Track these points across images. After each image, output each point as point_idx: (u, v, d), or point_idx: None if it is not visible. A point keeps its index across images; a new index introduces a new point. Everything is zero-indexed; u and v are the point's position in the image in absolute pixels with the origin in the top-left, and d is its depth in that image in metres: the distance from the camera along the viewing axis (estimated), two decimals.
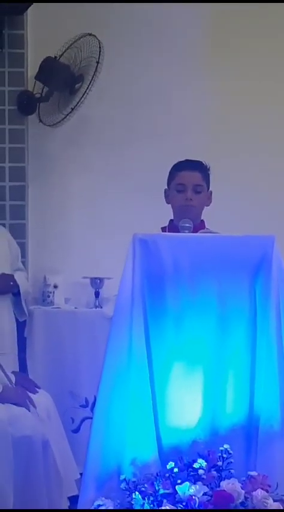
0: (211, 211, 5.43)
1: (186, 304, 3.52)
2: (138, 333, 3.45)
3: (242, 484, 3.36)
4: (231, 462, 3.39)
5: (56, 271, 5.70)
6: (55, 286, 5.63)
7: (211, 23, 5.93)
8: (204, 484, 3.32)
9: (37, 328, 5.44)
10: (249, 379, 3.57)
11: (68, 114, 5.67)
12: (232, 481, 3.35)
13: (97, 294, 5.69)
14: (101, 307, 5.59)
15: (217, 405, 3.53)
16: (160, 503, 3.27)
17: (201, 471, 3.34)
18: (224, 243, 3.65)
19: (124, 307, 3.48)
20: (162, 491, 3.29)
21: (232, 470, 3.39)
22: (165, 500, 3.28)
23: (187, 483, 3.30)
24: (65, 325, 5.49)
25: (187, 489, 3.29)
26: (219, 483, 3.35)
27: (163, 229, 4.27)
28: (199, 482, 3.32)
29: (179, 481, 3.31)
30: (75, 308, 5.67)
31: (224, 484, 3.33)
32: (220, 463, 3.38)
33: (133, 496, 3.28)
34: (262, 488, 3.35)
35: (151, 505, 3.26)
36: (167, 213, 4.45)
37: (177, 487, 3.30)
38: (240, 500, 3.32)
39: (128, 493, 3.30)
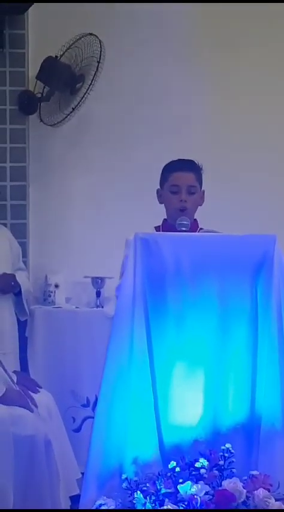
0: (212, 210, 5.44)
1: (187, 303, 3.52)
2: (139, 332, 3.45)
3: (244, 483, 3.36)
4: (233, 461, 3.39)
5: (56, 270, 5.70)
6: (56, 286, 5.63)
7: (212, 23, 5.93)
8: (206, 484, 3.32)
9: (38, 327, 5.44)
10: (250, 378, 3.57)
11: (69, 114, 5.67)
12: (234, 480, 3.35)
13: (98, 294, 5.68)
14: (102, 307, 5.59)
15: (219, 404, 3.53)
16: (162, 503, 3.27)
17: (202, 470, 3.34)
18: (225, 243, 3.65)
19: (126, 306, 3.49)
20: (163, 490, 3.29)
21: (233, 470, 3.39)
22: (166, 500, 3.28)
23: (189, 482, 3.30)
24: (66, 324, 5.49)
25: (188, 488, 3.29)
26: (221, 482, 3.35)
27: (157, 228, 4.26)
28: (201, 482, 3.32)
29: (181, 481, 3.32)
30: (76, 308, 5.67)
31: (226, 484, 3.33)
32: (221, 462, 3.38)
33: (135, 496, 3.28)
34: (264, 488, 3.35)
35: (153, 505, 3.26)
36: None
37: (178, 486, 3.30)
38: (242, 500, 3.33)
39: (130, 492, 3.30)
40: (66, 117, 5.67)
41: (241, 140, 5.97)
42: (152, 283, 3.51)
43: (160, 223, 4.32)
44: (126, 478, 3.33)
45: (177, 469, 3.34)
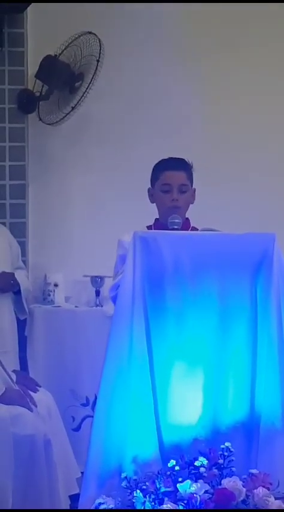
0: (211, 209, 5.45)
1: (187, 301, 3.52)
2: (138, 331, 3.45)
3: (243, 482, 3.36)
4: (232, 460, 3.39)
5: (56, 269, 5.69)
6: (55, 285, 5.63)
7: (212, 23, 5.93)
8: (205, 482, 3.32)
9: (38, 327, 5.44)
10: (250, 377, 3.57)
11: (68, 113, 5.66)
12: (234, 479, 3.35)
13: (97, 293, 5.68)
14: (102, 306, 5.59)
15: (218, 403, 3.53)
16: (162, 502, 3.27)
17: (202, 469, 3.34)
18: (225, 241, 3.65)
19: (125, 305, 3.48)
20: (163, 489, 3.29)
21: (233, 468, 3.39)
22: (166, 499, 3.28)
23: (189, 481, 3.30)
24: (66, 324, 5.49)
25: (188, 487, 3.29)
26: (220, 481, 3.35)
27: (149, 228, 4.25)
28: (201, 480, 3.32)
29: (180, 479, 3.32)
30: (76, 307, 5.67)
31: (226, 482, 3.33)
32: (221, 461, 3.38)
33: (135, 494, 3.28)
34: (264, 486, 3.35)
35: (153, 503, 3.26)
36: None
37: (178, 485, 3.30)
38: (241, 498, 3.32)
39: (129, 491, 3.30)
40: (65, 116, 5.66)
41: (240, 140, 5.97)
42: (151, 282, 3.51)
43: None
44: (126, 477, 3.33)
45: (177, 467, 3.34)
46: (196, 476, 3.34)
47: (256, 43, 5.99)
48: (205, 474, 3.34)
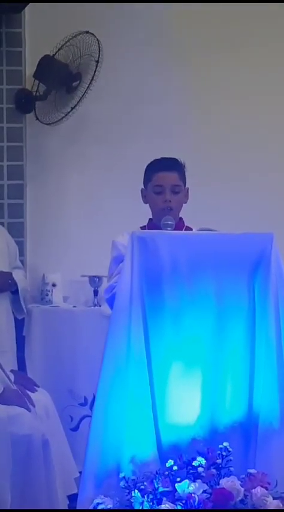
0: (210, 209, 5.45)
1: (185, 301, 3.51)
2: (136, 331, 3.45)
3: (241, 481, 3.36)
4: (230, 460, 3.39)
5: (54, 269, 5.69)
6: (53, 285, 5.62)
7: (212, 23, 5.93)
8: (203, 482, 3.32)
9: (36, 326, 5.44)
10: (248, 377, 3.57)
11: (67, 114, 5.66)
12: (232, 478, 3.35)
13: (96, 293, 5.68)
14: (100, 306, 5.59)
15: (216, 403, 3.53)
16: (160, 501, 3.27)
17: (200, 469, 3.34)
18: (222, 241, 3.64)
19: (123, 305, 3.48)
20: (161, 489, 3.29)
21: (231, 468, 3.39)
22: (164, 498, 3.28)
23: (187, 481, 3.30)
24: (64, 323, 5.48)
25: (186, 487, 3.29)
26: (218, 481, 3.35)
27: (143, 228, 4.25)
28: (199, 480, 3.32)
29: (178, 479, 3.31)
30: (74, 306, 5.67)
31: (224, 482, 3.33)
32: (219, 461, 3.38)
33: (133, 494, 3.28)
34: (262, 486, 3.35)
35: (151, 503, 3.26)
36: None
37: (176, 485, 3.30)
38: (240, 498, 3.32)
39: (127, 491, 3.30)
40: (64, 116, 5.66)
41: (240, 140, 5.97)
42: (149, 282, 3.51)
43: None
44: (124, 477, 3.32)
45: (175, 467, 3.33)
46: (194, 476, 3.34)
47: (256, 43, 5.99)
48: (203, 474, 3.34)
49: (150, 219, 4.28)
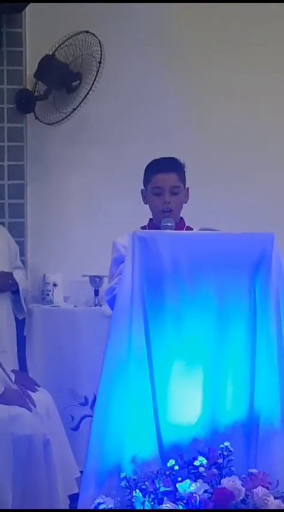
0: (211, 209, 5.45)
1: (186, 301, 3.51)
2: (137, 331, 3.45)
3: (242, 481, 3.35)
4: (232, 460, 3.39)
5: (55, 269, 5.69)
6: (54, 285, 5.63)
7: (212, 23, 5.93)
8: (205, 482, 3.32)
9: (36, 326, 5.44)
10: (249, 377, 3.56)
11: (69, 114, 5.66)
12: (233, 478, 3.35)
13: (96, 292, 5.68)
14: (100, 306, 5.59)
15: (217, 403, 3.53)
16: (161, 501, 3.27)
17: (201, 469, 3.34)
18: (223, 241, 3.64)
19: (124, 305, 3.48)
20: (162, 489, 3.29)
21: (232, 468, 3.39)
22: (165, 498, 3.28)
23: (188, 481, 3.30)
24: (64, 323, 5.49)
25: (187, 487, 3.28)
26: (220, 481, 3.35)
27: (143, 228, 4.26)
28: (200, 480, 3.32)
29: (179, 479, 3.31)
30: (75, 306, 5.67)
31: (225, 482, 3.33)
32: (220, 461, 3.38)
33: (134, 494, 3.28)
34: (263, 486, 3.34)
35: (152, 503, 3.26)
36: None
37: (177, 484, 3.30)
38: (241, 498, 3.32)
39: (128, 490, 3.29)
40: (66, 117, 5.66)
41: (240, 140, 5.97)
42: (150, 282, 3.50)
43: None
44: (125, 477, 3.32)
45: (176, 467, 3.33)
46: (196, 476, 3.33)
47: (256, 43, 6.00)
48: (205, 474, 3.34)
49: (150, 219, 4.29)
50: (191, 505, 3.25)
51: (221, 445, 3.39)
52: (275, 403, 3.53)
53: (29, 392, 4.27)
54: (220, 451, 3.38)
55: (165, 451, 3.44)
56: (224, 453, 3.38)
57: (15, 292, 5.23)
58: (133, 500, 3.28)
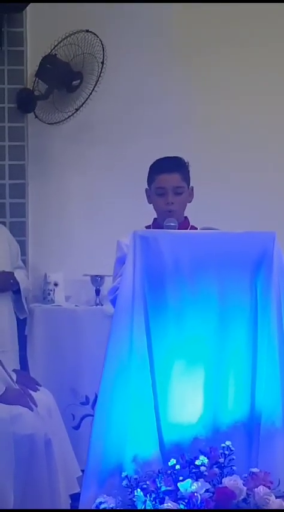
0: (212, 208, 5.45)
1: (187, 300, 3.51)
2: (139, 330, 3.45)
3: (244, 480, 3.35)
4: (233, 459, 3.39)
5: (56, 269, 5.69)
6: (55, 284, 5.63)
7: (212, 22, 5.94)
8: (206, 481, 3.31)
9: (38, 326, 5.44)
10: (250, 376, 3.56)
11: (72, 114, 5.67)
12: (234, 477, 3.35)
13: (98, 292, 5.69)
14: (102, 305, 5.59)
15: (219, 402, 3.53)
16: (162, 500, 3.27)
17: (202, 468, 3.34)
18: (225, 240, 3.64)
19: (125, 304, 3.48)
20: (163, 488, 3.29)
21: (234, 467, 3.38)
22: (167, 497, 3.28)
23: (189, 480, 3.30)
24: (66, 323, 5.49)
25: (189, 486, 3.28)
26: (221, 480, 3.35)
27: (148, 227, 4.26)
28: (201, 479, 3.31)
29: (181, 478, 3.31)
30: (76, 306, 5.67)
31: (226, 481, 3.33)
32: (221, 460, 3.38)
33: (135, 493, 3.27)
34: (264, 485, 3.34)
35: (153, 502, 3.26)
36: None
37: (178, 484, 3.29)
38: (242, 497, 3.32)
39: (130, 490, 3.29)
40: (68, 117, 5.66)
41: (240, 140, 5.97)
42: (151, 281, 3.50)
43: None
44: (126, 476, 3.32)
45: (177, 466, 3.33)
46: (197, 475, 3.33)
47: (256, 43, 6.00)
48: (206, 473, 3.33)
49: (154, 218, 4.29)
50: (192, 505, 3.25)
51: (223, 445, 3.39)
52: (276, 402, 3.53)
53: (31, 391, 4.27)
54: (222, 451, 3.38)
55: (166, 451, 3.44)
56: (226, 452, 3.38)
57: (17, 291, 5.23)
58: (134, 499, 3.28)
